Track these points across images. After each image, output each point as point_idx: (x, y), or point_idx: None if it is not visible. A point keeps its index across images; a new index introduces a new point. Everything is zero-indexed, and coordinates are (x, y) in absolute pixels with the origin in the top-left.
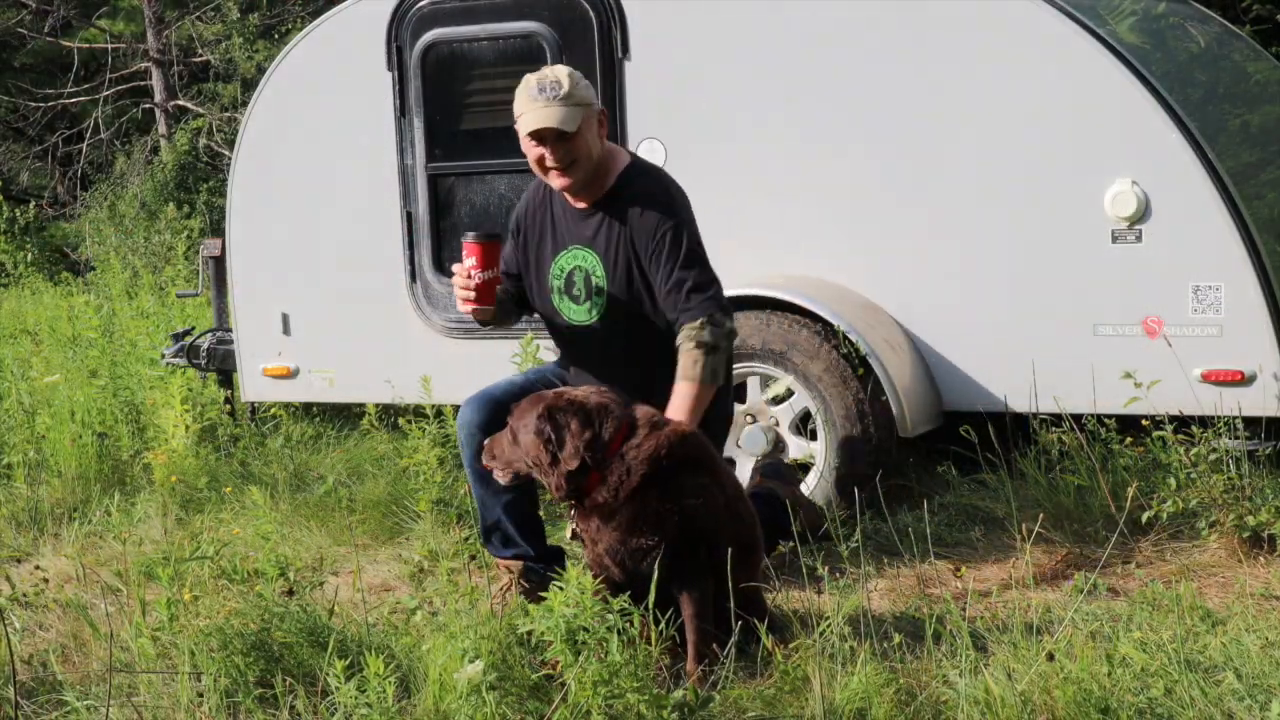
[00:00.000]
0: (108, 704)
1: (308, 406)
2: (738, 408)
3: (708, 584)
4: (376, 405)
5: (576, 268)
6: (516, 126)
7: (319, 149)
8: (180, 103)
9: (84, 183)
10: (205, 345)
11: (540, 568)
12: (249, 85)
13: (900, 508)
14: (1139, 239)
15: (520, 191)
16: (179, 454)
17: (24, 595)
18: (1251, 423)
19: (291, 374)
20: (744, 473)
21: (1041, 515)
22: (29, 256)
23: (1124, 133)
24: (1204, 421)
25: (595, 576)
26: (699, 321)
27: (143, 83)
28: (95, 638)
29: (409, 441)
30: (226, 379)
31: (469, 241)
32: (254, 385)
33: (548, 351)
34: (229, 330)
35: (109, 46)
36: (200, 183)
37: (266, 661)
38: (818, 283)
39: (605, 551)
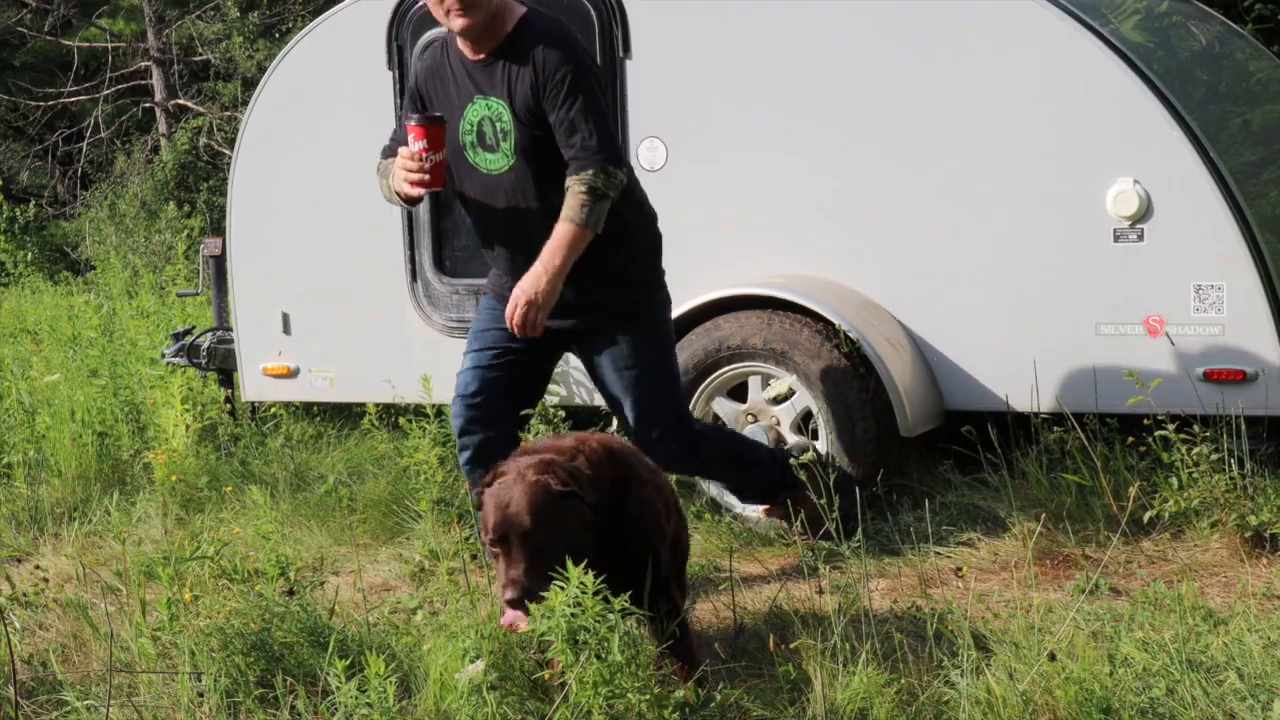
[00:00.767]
0: (108, 704)
1: (308, 406)
2: (739, 407)
3: (680, 586)
4: (377, 405)
5: (484, 118)
6: None
7: (320, 148)
8: (180, 102)
9: (84, 182)
10: (205, 344)
11: None
12: (249, 84)
13: (901, 507)
14: (1141, 238)
15: None
16: (179, 453)
17: (24, 595)
18: (1254, 422)
19: (292, 373)
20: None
21: (1043, 515)
22: (29, 256)
23: (1126, 132)
24: (1206, 421)
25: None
26: (591, 171)
27: (143, 82)
28: (95, 637)
29: (409, 441)
30: (227, 378)
31: (415, 124)
32: (254, 384)
33: None
34: (229, 329)
35: (109, 45)
36: (200, 182)
37: (267, 661)
38: (819, 282)
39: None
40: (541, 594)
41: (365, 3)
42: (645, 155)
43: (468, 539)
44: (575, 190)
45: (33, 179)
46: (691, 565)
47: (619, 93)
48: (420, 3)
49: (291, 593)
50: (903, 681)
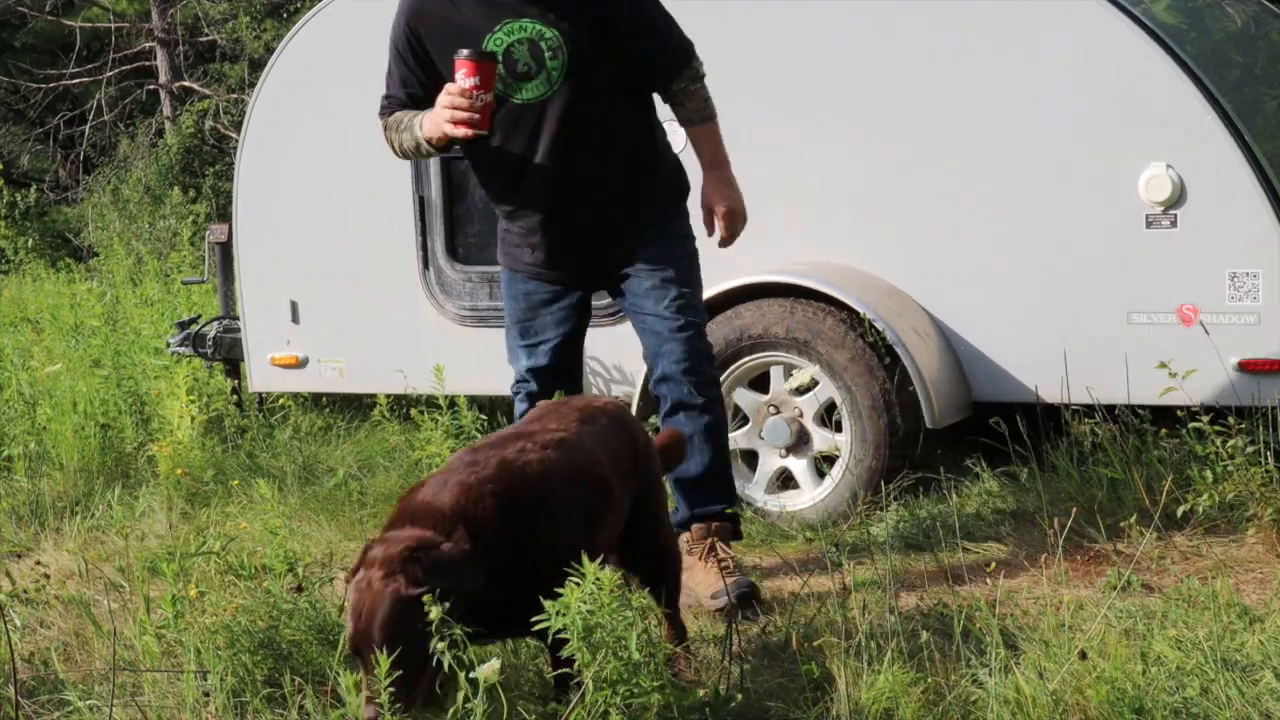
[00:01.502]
0: (111, 704)
1: (317, 397)
2: (760, 398)
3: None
4: (388, 396)
5: (515, 43)
6: None
7: (329, 131)
8: (186, 84)
9: (86, 166)
10: (211, 334)
11: None
12: (256, 65)
13: (928, 501)
14: (1174, 224)
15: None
16: (184, 446)
17: (25, 591)
18: None
19: (300, 363)
20: (769, 466)
21: (1074, 509)
22: (30, 242)
23: (1159, 115)
24: (1241, 412)
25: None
26: (692, 64)
27: (147, 63)
28: (98, 635)
29: (421, 433)
30: (233, 369)
31: (466, 59)
32: (262, 375)
33: None
34: (236, 318)
35: (112, 26)
36: (206, 166)
37: (275, 660)
38: (843, 269)
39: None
40: (412, 697)
41: None
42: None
43: None
44: (689, 88)
45: (34, 163)
46: None
47: None
48: None
49: (300, 589)
50: (929, 681)
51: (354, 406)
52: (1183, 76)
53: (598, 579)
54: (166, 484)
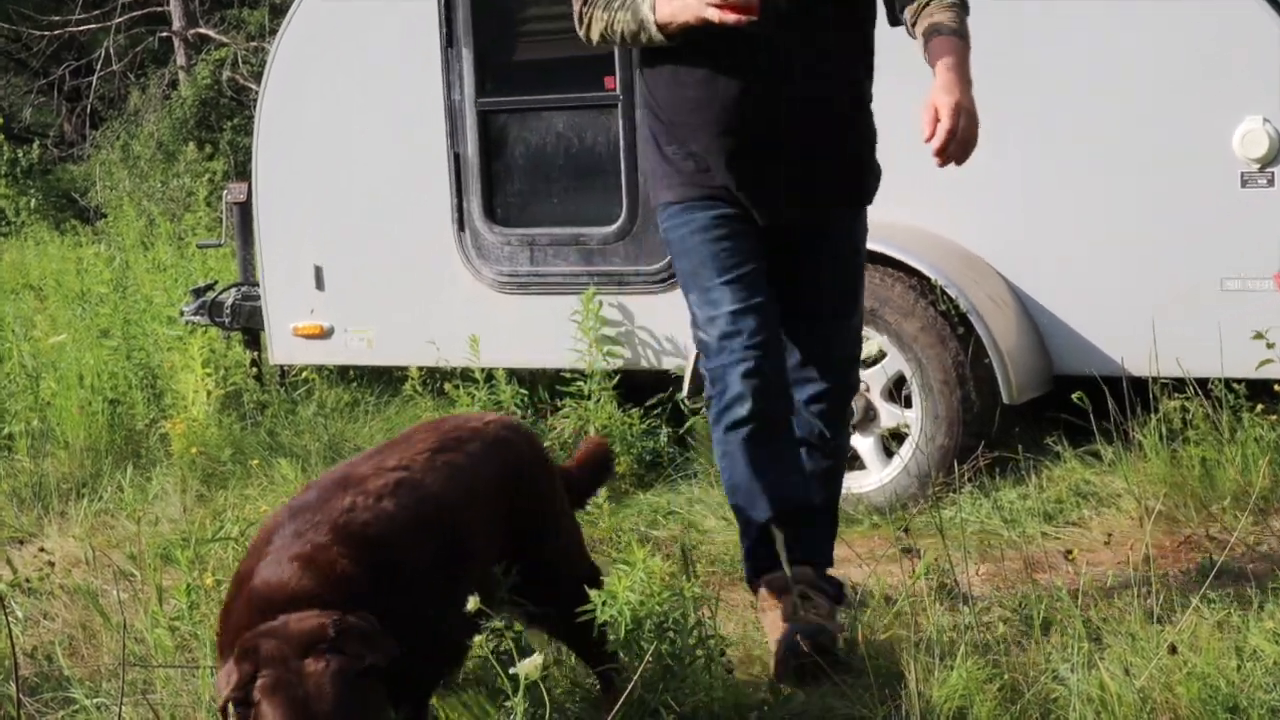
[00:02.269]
0: (120, 702)
1: (343, 370)
2: None
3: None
4: (420, 368)
5: None
6: None
7: (356, 83)
8: (201, 31)
9: (94, 120)
10: (229, 302)
11: None
12: (278, 11)
13: (1004, 483)
14: (1271, 183)
15: (582, 129)
16: (200, 423)
17: (27, 581)
18: None
19: (325, 333)
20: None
21: (1162, 491)
22: (32, 203)
23: (1254, 66)
24: None
25: None
26: None
27: (159, 8)
28: (106, 628)
29: (456, 409)
30: (253, 339)
31: None
32: (283, 346)
33: (611, 308)
34: (255, 284)
35: None
36: (224, 120)
37: None
38: (914, 232)
39: None
40: None
41: None
42: None
43: None
44: (942, 3)
45: (37, 117)
46: None
47: None
48: None
49: None
50: (1006, 677)
51: (383, 380)
52: None
53: (646, 565)
54: (180, 464)
